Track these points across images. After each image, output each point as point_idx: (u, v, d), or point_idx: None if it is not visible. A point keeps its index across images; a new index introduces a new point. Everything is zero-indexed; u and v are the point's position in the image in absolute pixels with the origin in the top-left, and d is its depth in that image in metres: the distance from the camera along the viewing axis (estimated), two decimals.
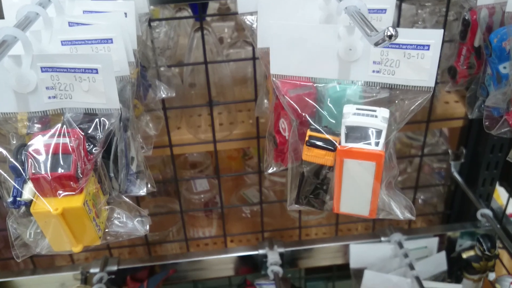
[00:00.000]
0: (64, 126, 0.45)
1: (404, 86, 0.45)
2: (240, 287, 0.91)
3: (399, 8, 0.73)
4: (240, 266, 0.92)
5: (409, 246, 0.89)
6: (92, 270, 0.86)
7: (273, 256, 0.87)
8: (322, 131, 0.46)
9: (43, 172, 0.43)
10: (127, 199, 0.52)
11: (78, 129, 0.45)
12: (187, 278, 0.93)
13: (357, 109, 0.44)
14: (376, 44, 0.39)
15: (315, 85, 0.48)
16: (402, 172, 1.11)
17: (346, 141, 0.44)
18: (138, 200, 0.87)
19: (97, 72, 0.44)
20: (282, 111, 0.54)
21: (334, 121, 0.47)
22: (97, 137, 0.46)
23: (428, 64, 0.44)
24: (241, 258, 0.91)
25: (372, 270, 0.87)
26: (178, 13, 0.94)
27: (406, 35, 0.43)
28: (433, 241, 0.93)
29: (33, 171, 0.43)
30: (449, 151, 0.96)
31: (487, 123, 0.60)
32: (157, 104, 0.71)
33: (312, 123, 0.47)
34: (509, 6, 0.54)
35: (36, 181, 0.43)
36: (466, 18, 0.63)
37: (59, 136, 0.44)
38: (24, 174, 0.44)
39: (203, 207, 1.10)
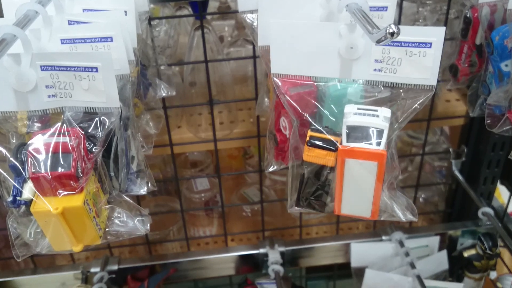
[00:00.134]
0: (64, 125, 0.45)
1: (406, 84, 0.45)
2: (241, 286, 0.91)
3: (400, 6, 0.72)
4: (241, 265, 0.92)
5: (410, 245, 0.89)
6: (92, 270, 0.86)
7: (274, 255, 0.87)
8: (323, 131, 0.45)
9: (43, 171, 0.42)
10: (127, 198, 0.52)
11: (78, 128, 0.45)
12: (187, 277, 0.93)
13: (358, 108, 0.44)
14: (378, 42, 0.39)
15: (315, 83, 0.47)
16: (403, 170, 1.11)
17: (347, 141, 0.44)
18: (138, 199, 0.87)
19: (97, 71, 0.44)
20: (283, 110, 0.53)
21: (334, 120, 0.46)
22: (97, 136, 0.46)
23: (430, 62, 0.43)
24: (242, 257, 0.91)
25: (373, 269, 0.87)
26: (178, 11, 0.93)
27: (408, 32, 0.42)
28: (434, 240, 0.92)
29: (33, 170, 0.43)
30: (450, 149, 0.96)
31: (488, 121, 0.60)
32: (158, 103, 0.71)
33: (313, 123, 0.46)
34: (511, 3, 0.54)
35: (36, 180, 0.43)
36: (468, 16, 0.63)
37: (59, 135, 0.44)
38: (24, 173, 0.44)
39: (203, 206, 1.10)
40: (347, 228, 1.11)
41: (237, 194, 1.14)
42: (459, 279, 0.93)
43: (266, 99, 0.67)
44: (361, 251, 0.91)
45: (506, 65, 0.57)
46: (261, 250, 0.89)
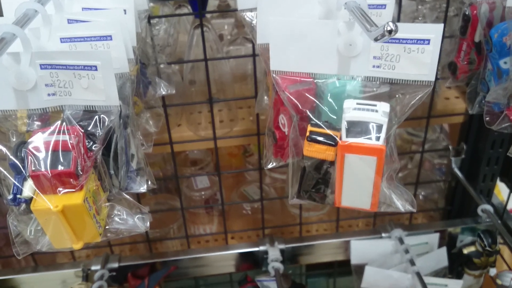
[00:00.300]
0: (64, 123, 0.45)
1: (405, 80, 0.45)
2: (241, 283, 0.91)
3: (399, 4, 0.72)
4: (241, 262, 0.92)
5: (410, 242, 0.89)
6: (93, 267, 0.86)
7: (274, 253, 0.87)
8: (323, 126, 0.46)
9: (43, 169, 0.43)
10: (127, 196, 0.52)
11: (78, 126, 0.45)
12: (188, 275, 0.94)
13: (358, 103, 0.44)
14: (376, 39, 0.39)
15: (315, 81, 0.48)
16: (402, 168, 1.11)
17: (347, 136, 0.44)
18: (138, 197, 0.87)
19: (96, 69, 0.44)
20: (282, 107, 0.54)
21: (334, 117, 0.47)
22: (97, 134, 0.46)
23: (429, 58, 0.43)
24: (242, 254, 0.91)
25: (373, 266, 0.87)
26: (178, 10, 0.93)
27: (406, 29, 0.43)
28: (434, 237, 0.93)
29: (33, 168, 0.43)
30: (450, 147, 0.96)
31: (487, 118, 0.60)
32: (157, 101, 0.71)
33: (313, 118, 0.47)
34: (510, 1, 0.54)
35: (36, 178, 0.43)
36: (467, 13, 0.63)
37: (59, 133, 0.44)
38: (24, 172, 0.44)
39: (203, 204, 1.10)
40: (347, 226, 1.11)
41: (237, 192, 1.14)
42: (458, 276, 0.93)
43: (265, 97, 0.67)
44: (361, 248, 0.91)
45: (505, 63, 0.57)
46: (261, 248, 0.89)
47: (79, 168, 0.43)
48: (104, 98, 0.45)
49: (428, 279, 0.82)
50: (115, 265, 0.87)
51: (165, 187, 1.14)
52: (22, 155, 0.44)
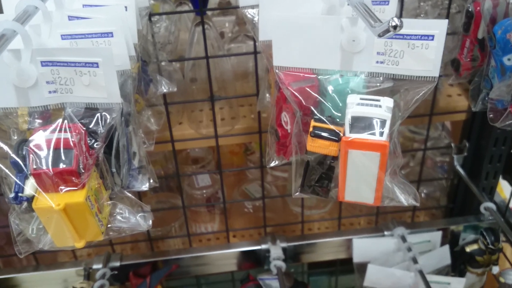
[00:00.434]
0: (65, 121, 0.44)
1: (409, 76, 0.45)
2: (243, 282, 0.91)
3: (401, 1, 0.72)
4: (242, 261, 0.92)
5: (412, 240, 0.89)
6: (95, 266, 0.86)
7: (276, 251, 0.87)
8: (326, 121, 0.45)
9: (44, 167, 0.42)
10: (129, 194, 0.52)
11: (80, 124, 0.45)
12: (189, 274, 0.93)
13: (361, 99, 0.44)
14: (381, 35, 0.38)
15: (318, 77, 0.47)
16: (405, 166, 1.11)
17: (350, 132, 0.44)
18: (140, 196, 0.87)
19: (97, 66, 0.44)
20: (284, 104, 0.53)
21: (338, 114, 0.46)
22: (99, 132, 0.46)
23: (433, 54, 0.43)
24: (244, 253, 0.91)
25: (376, 264, 0.87)
26: (179, 7, 0.93)
27: (410, 25, 0.42)
28: (437, 235, 0.92)
29: (35, 167, 0.42)
30: (452, 144, 0.96)
31: (491, 115, 0.60)
32: (159, 99, 0.71)
33: (316, 113, 0.46)
34: None
35: (38, 176, 0.43)
36: (470, 9, 0.62)
37: (60, 131, 0.43)
38: (25, 170, 0.44)
39: (205, 202, 1.10)
40: (349, 224, 1.11)
41: (238, 190, 1.14)
42: (461, 274, 0.92)
43: (267, 95, 0.67)
44: (363, 247, 0.91)
45: (509, 59, 0.57)
46: (263, 246, 0.89)
47: (81, 166, 0.43)
48: (105, 95, 0.45)
49: (430, 277, 0.82)
50: (117, 264, 0.87)
51: (166, 186, 1.14)
52: (24, 153, 0.44)
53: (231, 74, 0.84)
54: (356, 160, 0.44)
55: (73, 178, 0.43)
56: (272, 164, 0.58)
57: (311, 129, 0.45)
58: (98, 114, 0.46)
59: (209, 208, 1.11)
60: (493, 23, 0.58)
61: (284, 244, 0.89)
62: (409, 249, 0.86)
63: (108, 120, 0.46)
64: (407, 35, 0.43)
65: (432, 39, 0.43)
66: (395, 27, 0.37)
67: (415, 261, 0.84)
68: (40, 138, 0.43)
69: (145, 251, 1.04)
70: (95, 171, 0.46)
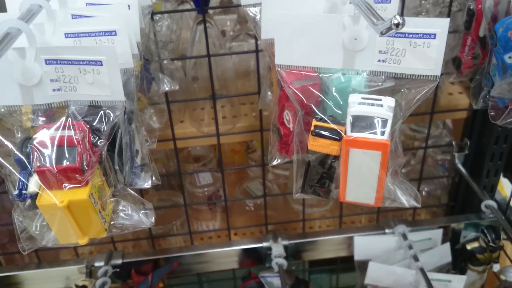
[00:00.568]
0: (69, 118, 0.45)
1: (410, 75, 0.45)
2: (244, 279, 0.92)
3: None
4: (244, 259, 0.92)
5: (413, 238, 0.89)
6: (97, 264, 0.86)
7: (277, 249, 0.87)
8: (328, 120, 0.45)
9: (48, 164, 0.43)
10: (132, 192, 0.52)
11: (83, 121, 0.45)
12: (191, 271, 0.94)
13: (363, 98, 0.44)
14: (383, 33, 0.39)
15: (320, 75, 0.47)
16: (406, 164, 1.11)
17: (351, 131, 0.44)
18: (142, 194, 0.87)
19: (101, 64, 0.44)
20: (286, 103, 0.53)
21: (339, 112, 0.47)
22: (102, 130, 0.46)
23: (434, 53, 0.43)
24: (245, 251, 0.91)
25: (377, 262, 0.87)
26: (180, 6, 0.93)
27: (412, 24, 0.42)
28: (437, 233, 0.93)
29: (39, 164, 0.43)
30: (453, 142, 0.96)
31: (492, 113, 0.60)
32: (161, 97, 0.71)
33: (318, 112, 0.46)
34: None
35: (42, 173, 0.43)
36: (471, 7, 0.63)
37: (64, 128, 0.44)
38: (29, 167, 0.44)
39: (206, 200, 1.11)
40: (350, 222, 1.11)
41: (240, 188, 1.14)
42: (462, 271, 0.93)
43: (269, 93, 0.67)
44: (364, 244, 0.91)
45: (510, 57, 0.57)
46: (265, 244, 0.89)
47: (84, 164, 0.43)
48: (109, 93, 0.45)
49: (431, 275, 0.82)
50: (119, 261, 0.87)
51: (168, 184, 1.14)
52: (28, 150, 0.44)
53: (233, 72, 0.84)
54: (357, 159, 0.44)
55: (77, 175, 0.43)
56: (275, 163, 0.58)
57: (312, 128, 0.46)
58: (102, 112, 0.46)
59: (210, 206, 1.11)
60: (494, 21, 0.58)
61: (286, 242, 0.89)
62: (410, 247, 0.86)
63: (111, 118, 0.46)
64: (409, 33, 0.43)
65: (434, 38, 0.43)
66: (397, 25, 0.37)
67: (416, 259, 0.84)
68: (44, 136, 0.43)
69: (146, 249, 1.05)
70: (98, 168, 0.46)
